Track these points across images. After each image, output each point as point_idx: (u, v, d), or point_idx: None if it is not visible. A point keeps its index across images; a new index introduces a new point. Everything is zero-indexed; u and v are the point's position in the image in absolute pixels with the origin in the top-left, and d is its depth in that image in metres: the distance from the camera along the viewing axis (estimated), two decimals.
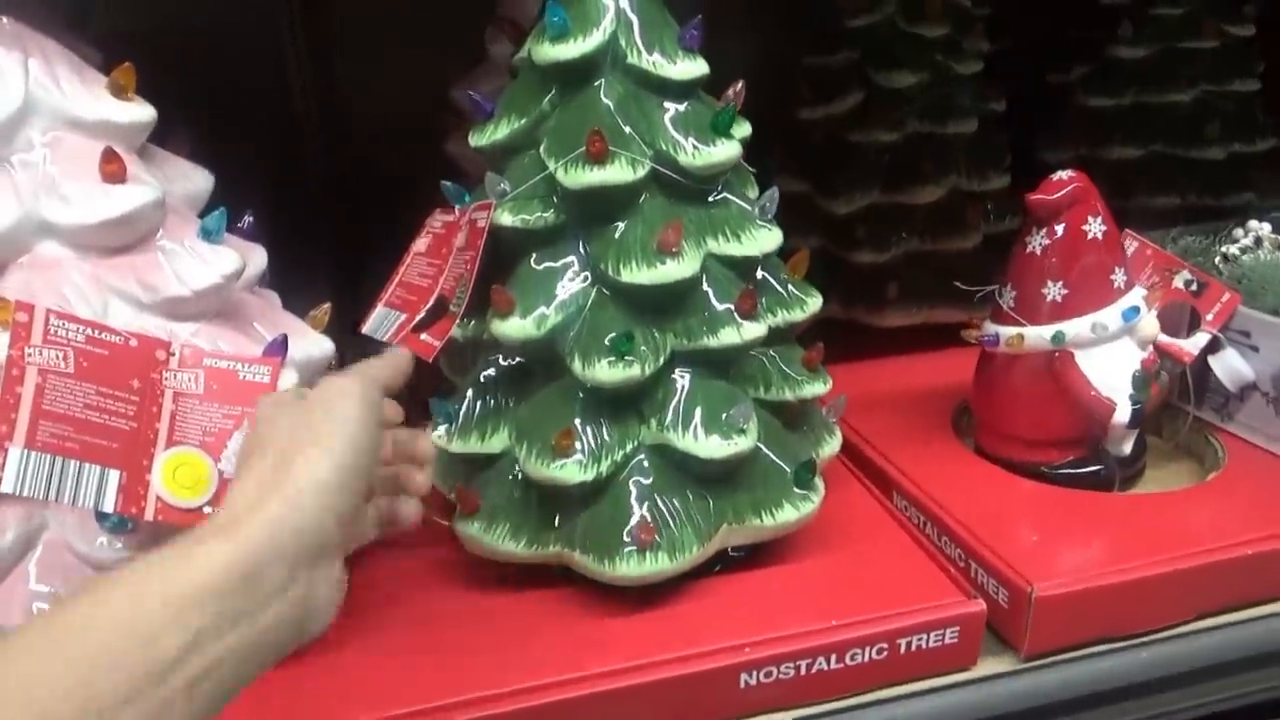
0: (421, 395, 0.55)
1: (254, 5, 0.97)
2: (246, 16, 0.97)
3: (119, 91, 0.47)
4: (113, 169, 0.45)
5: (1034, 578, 0.54)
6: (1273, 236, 0.78)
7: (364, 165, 0.98)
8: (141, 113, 0.48)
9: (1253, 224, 0.80)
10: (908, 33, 0.84)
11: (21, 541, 0.46)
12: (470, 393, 0.55)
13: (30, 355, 0.42)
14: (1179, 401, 0.70)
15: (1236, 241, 0.79)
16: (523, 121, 0.53)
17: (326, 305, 0.57)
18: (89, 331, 0.43)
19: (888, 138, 0.84)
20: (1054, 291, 0.63)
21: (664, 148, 0.51)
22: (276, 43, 0.99)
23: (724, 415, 0.52)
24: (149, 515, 0.44)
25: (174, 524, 0.45)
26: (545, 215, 0.52)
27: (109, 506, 0.43)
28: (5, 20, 0.45)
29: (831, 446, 0.61)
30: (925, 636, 0.52)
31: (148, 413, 0.45)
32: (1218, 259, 0.77)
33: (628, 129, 0.51)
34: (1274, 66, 0.94)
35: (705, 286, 0.52)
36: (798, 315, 0.57)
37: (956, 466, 0.67)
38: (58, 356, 0.42)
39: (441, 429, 0.55)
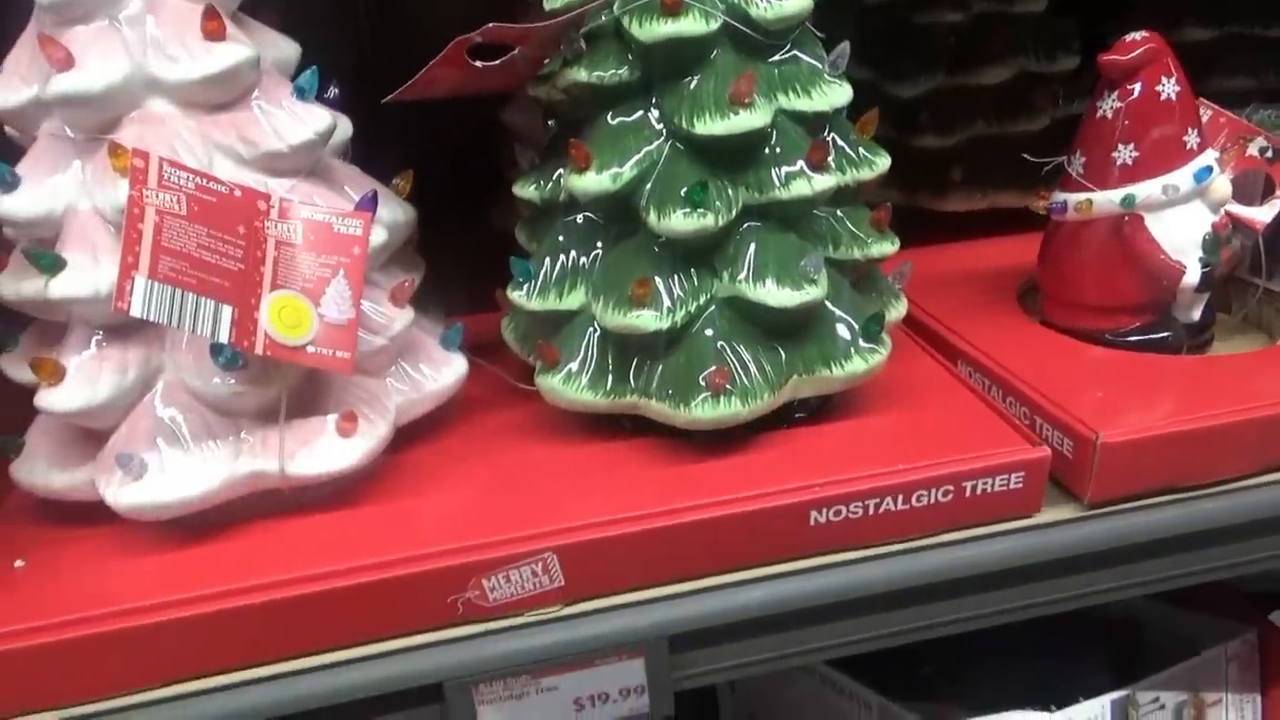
0: None
1: None
2: None
3: None
4: (213, 26, 0.48)
5: (1099, 426, 0.55)
6: None
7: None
8: None
9: None
10: None
11: (141, 381, 0.50)
12: (547, 252, 0.57)
13: (148, 196, 0.45)
14: (1249, 275, 0.70)
15: None
16: None
17: (409, 172, 0.59)
18: (198, 180, 0.46)
19: (953, 18, 0.83)
20: (1125, 155, 0.63)
21: (736, 1, 0.52)
22: None
23: (795, 266, 0.53)
24: (259, 349, 0.47)
25: (280, 359, 0.48)
26: (619, 72, 0.53)
27: (224, 337, 0.46)
28: None
29: (898, 311, 0.63)
30: (990, 481, 0.54)
31: (253, 257, 0.48)
32: None
33: None
34: None
35: (776, 140, 0.53)
36: (865, 174, 0.58)
37: (1022, 335, 0.68)
38: (172, 200, 0.45)
39: (520, 289, 0.58)
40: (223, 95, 0.49)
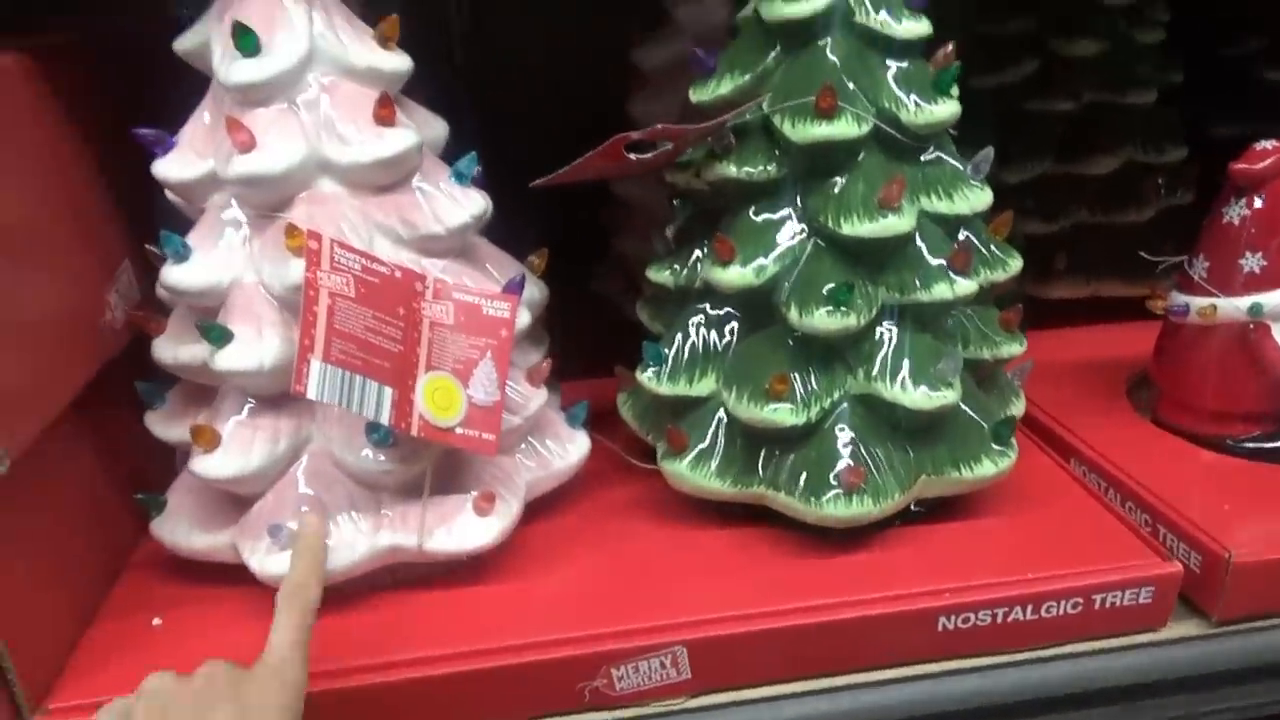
0: None
1: None
2: None
3: (384, 41, 0.51)
4: (385, 113, 0.49)
5: (1231, 544, 0.54)
6: None
7: (524, 127, 1.01)
8: (402, 62, 0.52)
9: None
10: (1089, 1, 0.83)
11: (290, 450, 0.51)
12: (679, 337, 0.58)
13: (322, 279, 0.46)
14: None
15: None
16: (746, 78, 0.55)
17: (544, 251, 0.60)
18: (363, 261, 0.48)
19: (1064, 107, 0.83)
20: (1252, 262, 0.62)
21: (886, 105, 0.53)
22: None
23: (932, 368, 0.53)
24: (414, 431, 0.48)
25: (431, 440, 0.49)
26: (768, 168, 0.54)
27: (385, 419, 0.47)
28: None
29: (1017, 409, 0.63)
30: (1120, 594, 0.53)
31: (410, 338, 0.49)
32: None
33: (852, 85, 0.53)
34: None
35: (919, 242, 0.54)
36: (999, 275, 0.58)
37: (1136, 435, 0.68)
38: (342, 282, 0.47)
39: (650, 371, 0.58)
40: (389, 178, 0.50)
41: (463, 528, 0.51)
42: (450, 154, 0.57)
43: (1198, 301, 0.64)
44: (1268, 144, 0.63)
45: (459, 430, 0.49)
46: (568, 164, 0.53)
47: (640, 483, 0.62)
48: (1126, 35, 0.83)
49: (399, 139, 0.49)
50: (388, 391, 0.47)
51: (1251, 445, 0.65)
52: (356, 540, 0.50)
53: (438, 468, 0.52)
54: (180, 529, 0.53)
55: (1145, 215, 0.85)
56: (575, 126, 0.84)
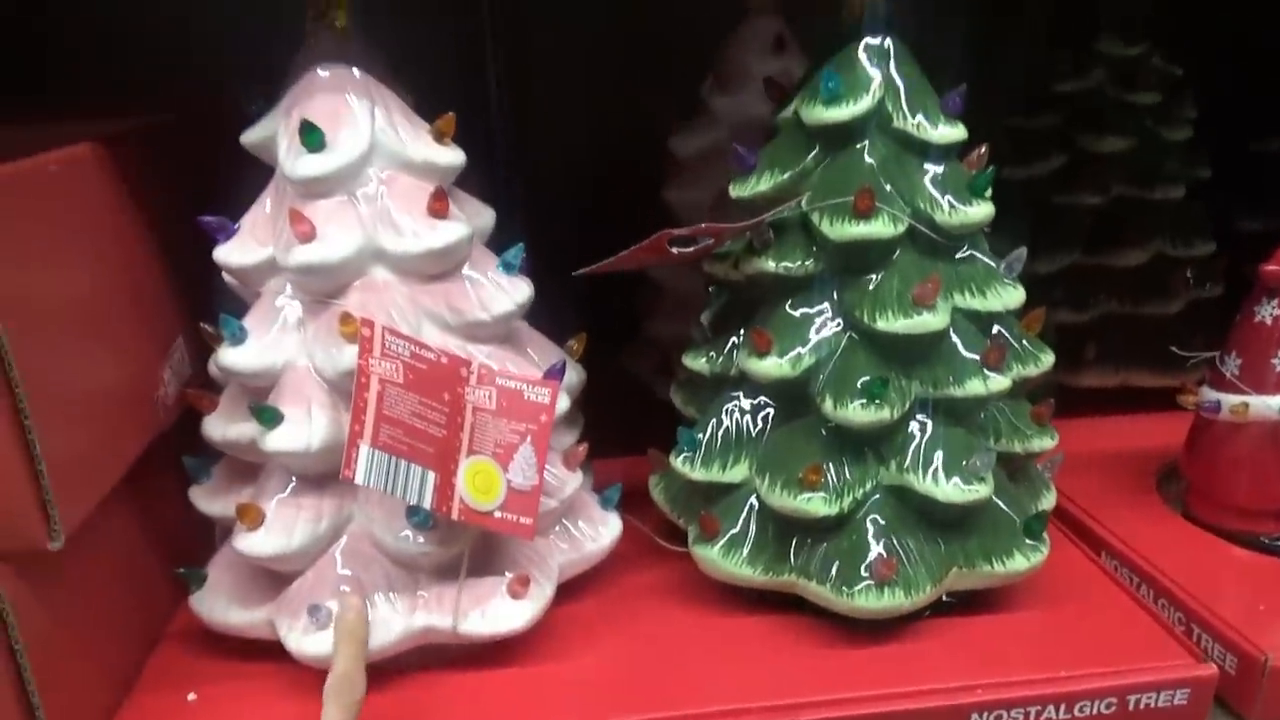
0: None
1: (460, 48, 1.03)
2: (450, 52, 1.04)
3: (440, 137, 0.53)
4: (439, 206, 0.51)
5: (1267, 646, 0.54)
6: None
7: (561, 208, 1.04)
8: (456, 157, 0.54)
9: None
10: (1118, 99, 0.85)
11: (332, 530, 0.52)
12: (712, 424, 0.59)
13: (373, 365, 0.47)
14: None
15: None
16: (785, 176, 0.57)
17: (583, 335, 0.61)
18: (413, 348, 0.49)
19: (1092, 200, 0.85)
20: None
21: (922, 206, 0.55)
22: (480, 83, 1.07)
23: (964, 462, 0.54)
24: (455, 515, 0.49)
25: (471, 524, 0.50)
26: (806, 263, 0.55)
27: (427, 504, 0.48)
28: (357, 71, 0.52)
29: (1048, 502, 0.63)
30: (1155, 695, 0.53)
31: (454, 423, 0.50)
32: None
33: (889, 187, 0.54)
34: None
35: (953, 338, 0.55)
36: (1031, 370, 0.59)
37: (1167, 530, 0.67)
38: (392, 368, 0.48)
39: (684, 455, 0.59)
40: (439, 267, 0.52)
41: (496, 610, 0.52)
42: (494, 239, 0.59)
43: (1230, 399, 0.65)
44: None
45: (498, 514, 0.50)
46: (606, 247, 0.55)
47: (670, 566, 0.62)
48: (1154, 132, 0.85)
49: (450, 231, 0.51)
50: (430, 475, 0.48)
51: None
52: (392, 620, 0.51)
53: (474, 550, 0.53)
54: (219, 604, 0.53)
55: (1174, 307, 0.86)
56: (613, 211, 0.87)
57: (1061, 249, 0.86)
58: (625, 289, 0.92)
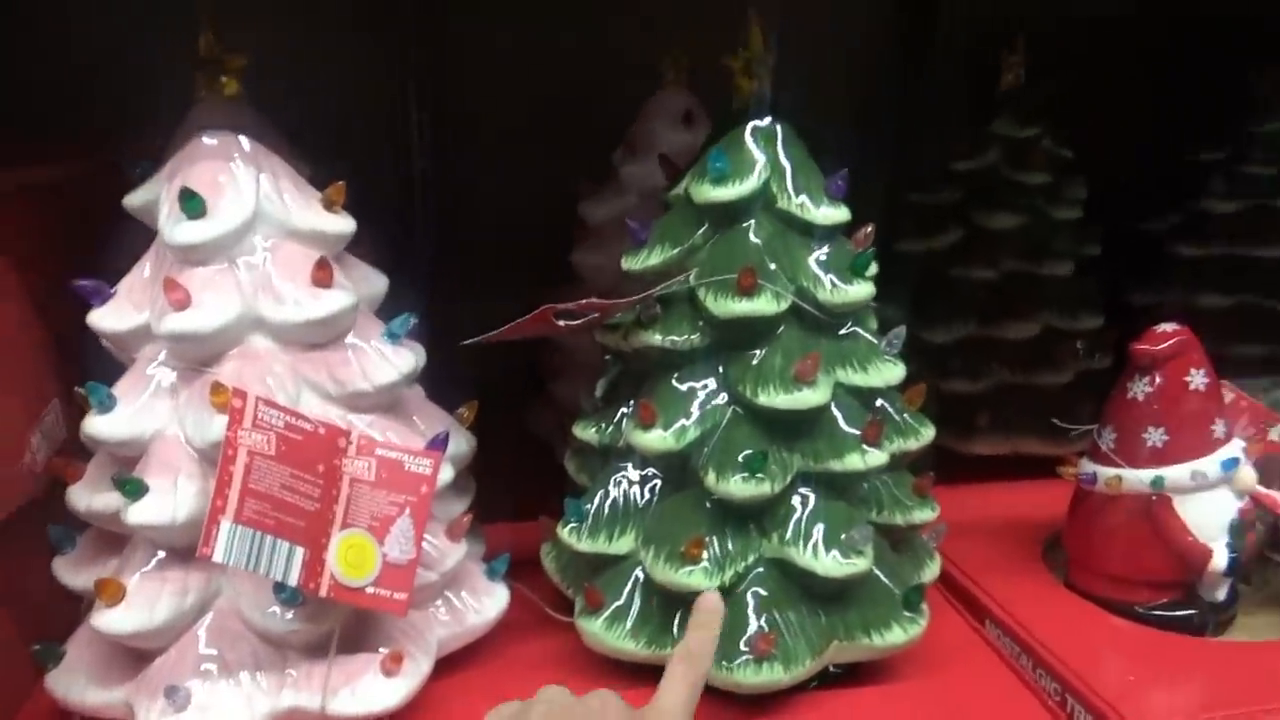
0: None
1: (382, 111, 1.05)
2: (377, 125, 1.06)
3: (329, 205, 0.53)
4: (322, 275, 0.51)
5: (1129, 715, 0.55)
6: None
7: (480, 269, 1.05)
8: (346, 225, 0.54)
9: None
10: (1010, 179, 0.89)
11: (198, 605, 0.50)
12: (600, 495, 0.59)
13: (242, 437, 0.47)
14: (1271, 552, 0.72)
15: None
16: (674, 251, 0.58)
17: (474, 403, 0.61)
18: (288, 419, 0.49)
19: (985, 275, 0.88)
20: (1155, 437, 0.65)
21: (805, 284, 0.56)
22: (402, 139, 1.08)
23: (843, 535, 0.55)
24: (323, 592, 0.48)
25: (341, 601, 0.49)
26: (691, 338, 0.56)
27: (293, 581, 0.47)
28: (244, 139, 0.52)
29: (932, 571, 0.64)
30: None
31: (329, 495, 0.49)
32: None
33: (773, 265, 0.56)
34: None
35: (834, 411, 0.56)
36: (912, 444, 0.60)
37: (1049, 599, 0.69)
38: (263, 439, 0.47)
39: (570, 526, 0.59)
40: (321, 336, 0.52)
41: (368, 689, 0.50)
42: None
43: (1105, 472, 0.67)
44: (1167, 326, 0.67)
45: (370, 590, 0.49)
46: (521, 309, 0.55)
47: (559, 636, 0.62)
48: (1044, 211, 0.89)
49: (333, 300, 0.51)
50: (299, 551, 0.47)
51: (1159, 613, 0.67)
52: (257, 700, 0.49)
53: (346, 625, 0.52)
54: (76, 684, 0.51)
55: (1063, 378, 0.89)
56: (530, 272, 0.88)
57: (957, 320, 0.89)
58: (530, 349, 0.92)
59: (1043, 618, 0.66)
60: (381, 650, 0.52)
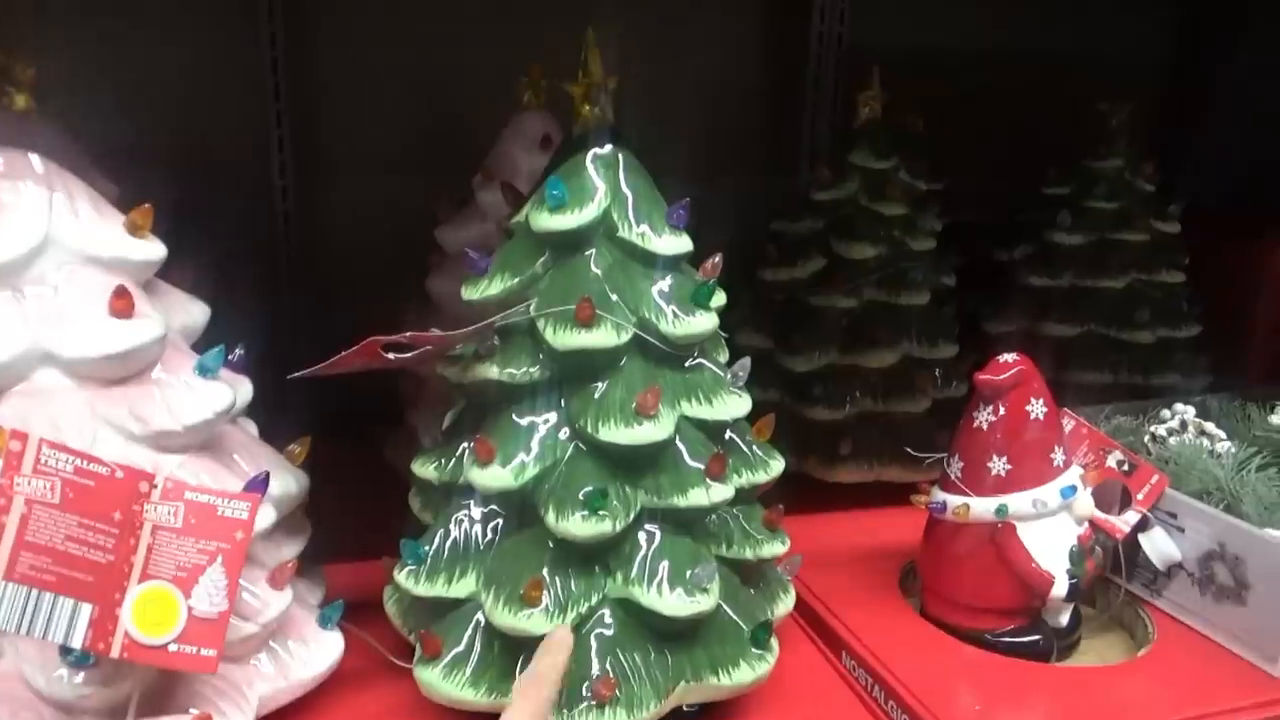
0: None
1: (247, 140, 1.02)
2: (238, 149, 1.03)
3: (135, 230, 0.50)
4: (121, 305, 0.47)
5: None
6: (1195, 421, 0.84)
7: (339, 294, 1.02)
8: (153, 250, 0.50)
9: (1179, 407, 0.86)
10: (869, 209, 0.91)
11: None
12: (439, 535, 0.56)
13: (19, 485, 0.42)
14: (1112, 575, 0.74)
15: (1164, 423, 0.85)
16: (515, 281, 0.56)
17: (306, 439, 0.58)
18: (78, 462, 0.44)
19: (846, 303, 0.89)
20: (998, 466, 0.67)
21: (647, 315, 0.55)
22: (264, 171, 1.05)
23: (688, 574, 0.53)
24: (115, 652, 0.44)
25: (138, 661, 0.45)
26: (531, 370, 0.54)
27: (78, 642, 0.43)
28: (36, 158, 0.48)
29: (785, 605, 0.63)
30: None
31: (125, 545, 0.45)
32: (1146, 438, 0.83)
33: (614, 296, 0.54)
34: (1197, 262, 1.03)
35: (678, 446, 0.55)
36: (761, 477, 0.60)
37: (903, 629, 0.69)
38: (45, 487, 0.43)
39: (408, 570, 0.56)
40: (122, 371, 0.48)
41: None
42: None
43: (953, 500, 0.68)
44: (1008, 357, 0.68)
45: (173, 648, 0.45)
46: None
47: (401, 685, 0.58)
48: (900, 242, 0.91)
49: (133, 332, 0.47)
50: (85, 608, 0.43)
51: (1008, 640, 0.68)
52: None
53: (150, 686, 0.47)
54: None
55: (922, 406, 0.91)
56: (390, 300, 0.85)
57: (819, 348, 0.89)
58: (391, 379, 0.89)
59: (895, 647, 0.66)
60: (191, 711, 0.48)
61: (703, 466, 0.55)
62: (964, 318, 0.98)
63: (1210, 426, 0.83)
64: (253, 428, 0.60)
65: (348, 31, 1.05)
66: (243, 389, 0.55)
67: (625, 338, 0.54)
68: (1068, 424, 0.76)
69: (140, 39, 0.97)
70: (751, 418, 0.61)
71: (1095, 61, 1.22)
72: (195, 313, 0.55)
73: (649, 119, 1.13)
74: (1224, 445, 0.81)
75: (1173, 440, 0.81)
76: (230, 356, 0.57)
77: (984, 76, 1.19)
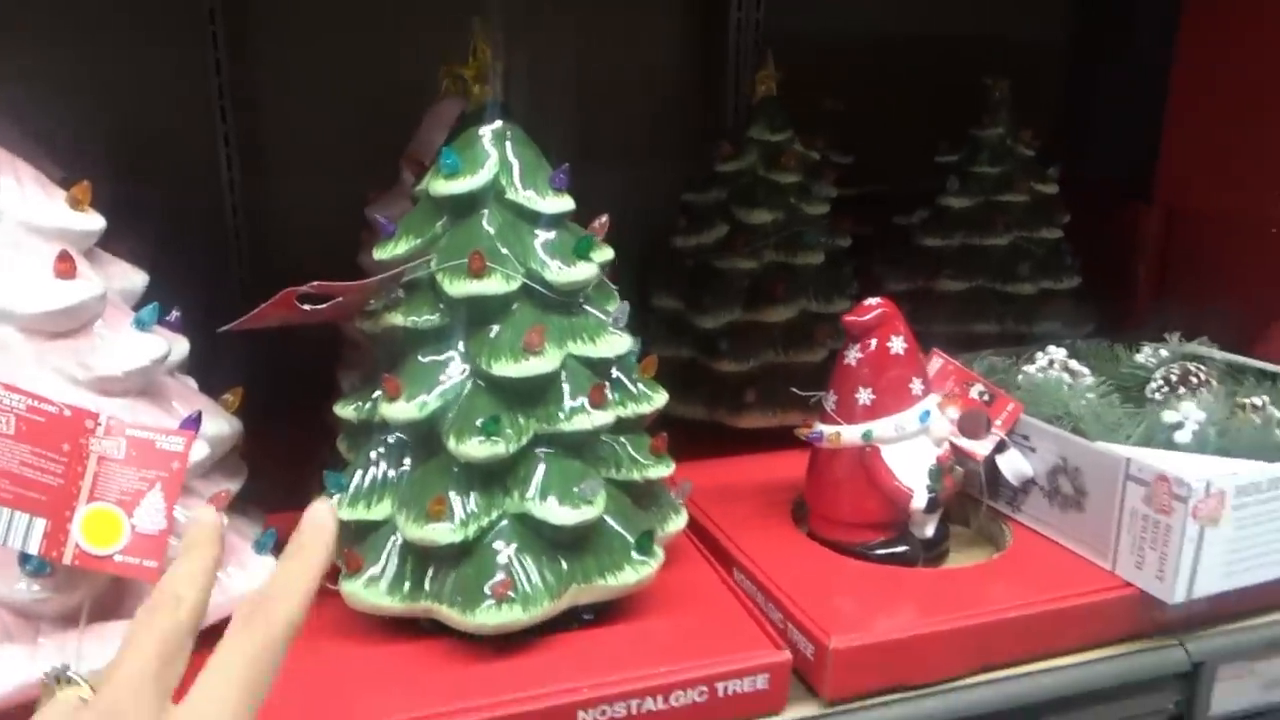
0: None
1: (195, 131, 1.10)
2: (187, 140, 1.11)
3: (75, 204, 0.57)
4: (64, 267, 0.54)
5: (833, 632, 0.64)
6: (1065, 360, 0.93)
7: (288, 275, 1.09)
8: (92, 222, 0.58)
9: (1052, 349, 0.95)
10: (766, 178, 0.99)
11: None
12: (359, 467, 0.64)
13: None
14: (977, 494, 0.83)
15: (1036, 363, 0.94)
16: (418, 241, 0.64)
17: (239, 389, 0.65)
18: (30, 401, 0.52)
19: (747, 265, 0.98)
20: (864, 396, 0.75)
21: (534, 266, 0.63)
22: (213, 165, 1.13)
23: (575, 489, 0.61)
24: (66, 559, 0.51)
25: (88, 568, 0.53)
26: (431, 318, 0.62)
27: (33, 549, 0.50)
28: None
29: (677, 524, 0.72)
30: (740, 681, 0.61)
31: (74, 472, 0.53)
32: (1020, 377, 0.92)
33: (504, 250, 0.62)
34: (1076, 219, 1.13)
35: (564, 380, 0.63)
36: (645, 408, 0.68)
37: (789, 547, 0.78)
38: (2, 421, 0.50)
39: (335, 497, 0.64)
40: (67, 325, 0.55)
41: None
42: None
43: (828, 429, 0.77)
44: (872, 301, 0.77)
45: (118, 558, 0.53)
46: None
47: (332, 604, 0.66)
48: (796, 208, 0.99)
49: (75, 290, 0.55)
50: (40, 522, 0.51)
51: (879, 551, 0.76)
52: (10, 672, 0.52)
53: (102, 596, 0.55)
54: None
55: (819, 356, 0.99)
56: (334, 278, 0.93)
57: (724, 307, 0.98)
58: (328, 345, 0.96)
59: (780, 563, 0.74)
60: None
61: (585, 396, 0.63)
62: (874, 279, 1.07)
63: (1075, 364, 0.93)
64: (193, 383, 0.67)
65: (286, 32, 1.13)
66: (179, 345, 0.63)
67: (514, 285, 0.62)
68: (937, 362, 0.84)
69: (88, 41, 1.05)
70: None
71: (997, 42, 1.31)
72: (135, 279, 0.62)
73: (580, 102, 1.23)
74: (1087, 380, 0.90)
75: (1038, 376, 0.90)
76: (168, 317, 0.65)
77: (893, 58, 1.29)
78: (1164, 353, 0.95)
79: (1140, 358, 0.95)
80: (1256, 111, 1.10)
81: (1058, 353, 0.94)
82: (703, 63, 1.33)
